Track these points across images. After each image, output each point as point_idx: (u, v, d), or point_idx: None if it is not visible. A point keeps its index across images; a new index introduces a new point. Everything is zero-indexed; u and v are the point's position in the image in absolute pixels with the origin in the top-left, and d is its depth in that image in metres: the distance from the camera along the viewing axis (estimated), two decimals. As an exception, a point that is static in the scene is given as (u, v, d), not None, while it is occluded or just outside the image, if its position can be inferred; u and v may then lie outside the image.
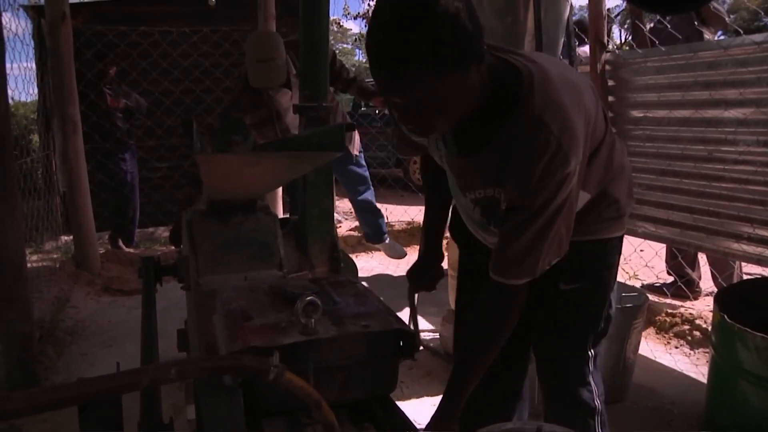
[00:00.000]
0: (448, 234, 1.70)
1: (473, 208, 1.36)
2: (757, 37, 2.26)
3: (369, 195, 3.97)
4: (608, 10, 3.25)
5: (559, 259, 1.24)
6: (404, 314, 2.94)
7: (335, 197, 2.26)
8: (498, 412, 1.55)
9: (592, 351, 1.47)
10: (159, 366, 0.77)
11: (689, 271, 3.43)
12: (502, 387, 1.57)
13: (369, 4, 9.63)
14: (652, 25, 3.64)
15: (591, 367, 1.47)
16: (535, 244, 1.19)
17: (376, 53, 1.05)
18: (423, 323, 3.17)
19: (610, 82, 2.95)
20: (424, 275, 1.71)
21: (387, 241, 4.15)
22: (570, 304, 1.43)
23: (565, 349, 1.48)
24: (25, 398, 0.69)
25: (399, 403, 1.25)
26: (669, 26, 3.12)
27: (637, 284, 3.59)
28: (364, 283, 1.47)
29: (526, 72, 1.16)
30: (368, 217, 4.07)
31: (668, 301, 3.40)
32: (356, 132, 3.76)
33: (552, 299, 1.43)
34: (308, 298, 1.08)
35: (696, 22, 3.23)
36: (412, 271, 1.72)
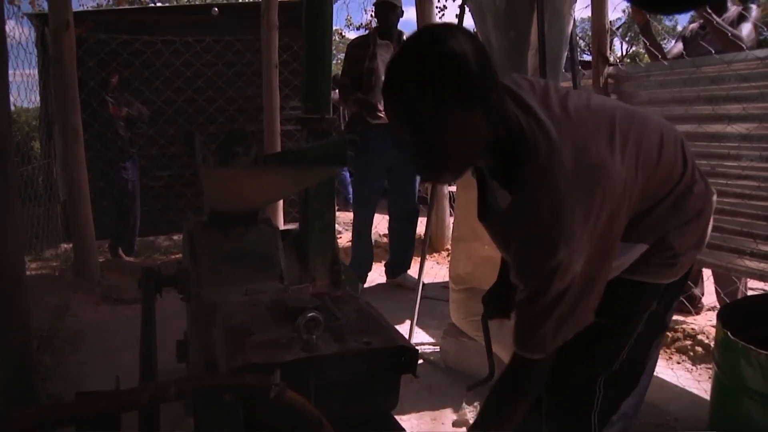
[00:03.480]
0: (449, 246, 1.68)
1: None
2: (760, 53, 2.25)
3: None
4: (610, 22, 3.24)
5: None
6: (404, 327, 2.95)
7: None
8: None
9: (601, 391, 1.35)
10: (159, 384, 0.76)
11: (692, 285, 3.42)
12: None
13: (372, 15, 9.69)
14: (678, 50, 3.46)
15: (597, 407, 1.36)
16: (537, 322, 1.14)
17: (383, 83, 1.10)
18: (424, 336, 3.16)
19: (613, 96, 2.95)
20: (501, 300, 1.54)
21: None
22: (588, 336, 1.31)
23: (571, 376, 1.36)
24: (23, 418, 0.68)
25: (399, 418, 1.24)
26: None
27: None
28: (364, 297, 1.46)
29: (532, 142, 1.12)
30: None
31: (670, 315, 3.37)
32: None
33: None
34: (309, 314, 1.08)
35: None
36: (487, 297, 1.57)
